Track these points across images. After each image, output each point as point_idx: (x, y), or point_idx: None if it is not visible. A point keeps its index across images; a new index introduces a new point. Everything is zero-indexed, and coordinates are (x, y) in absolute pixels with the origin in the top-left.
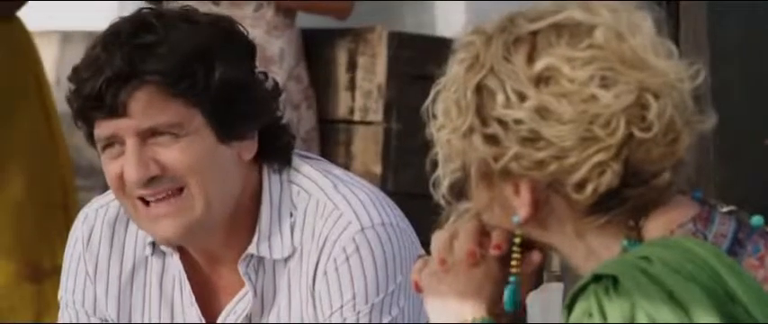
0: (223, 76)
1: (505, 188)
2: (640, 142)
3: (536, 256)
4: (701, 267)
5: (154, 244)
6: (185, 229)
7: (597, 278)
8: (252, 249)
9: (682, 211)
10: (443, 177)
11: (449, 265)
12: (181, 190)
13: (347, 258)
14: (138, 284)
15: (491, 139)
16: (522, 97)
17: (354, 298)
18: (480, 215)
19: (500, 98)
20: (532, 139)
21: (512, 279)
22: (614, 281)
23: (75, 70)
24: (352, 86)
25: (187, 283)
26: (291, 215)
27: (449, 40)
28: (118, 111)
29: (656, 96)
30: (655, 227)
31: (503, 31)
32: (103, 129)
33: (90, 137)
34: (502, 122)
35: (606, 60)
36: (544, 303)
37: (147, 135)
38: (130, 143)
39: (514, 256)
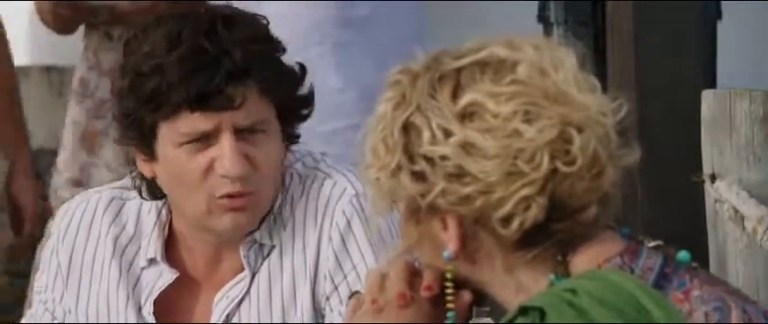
0: (289, 80)
1: (433, 224)
2: (565, 176)
3: (467, 296)
4: (627, 300)
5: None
6: (253, 220)
7: (524, 311)
8: (257, 235)
9: (609, 246)
10: (374, 217)
11: (381, 305)
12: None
13: (349, 222)
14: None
15: (418, 176)
16: (447, 133)
17: (364, 259)
18: (409, 253)
19: (426, 135)
20: (458, 175)
21: (449, 315)
22: (541, 313)
23: (155, 58)
24: None
25: (154, 296)
26: (290, 200)
27: None
28: (234, 104)
29: (580, 130)
30: (582, 261)
31: (428, 70)
32: (201, 121)
33: (146, 130)
34: (428, 159)
35: (529, 95)
36: None
37: (242, 131)
38: (229, 137)
39: (448, 291)
